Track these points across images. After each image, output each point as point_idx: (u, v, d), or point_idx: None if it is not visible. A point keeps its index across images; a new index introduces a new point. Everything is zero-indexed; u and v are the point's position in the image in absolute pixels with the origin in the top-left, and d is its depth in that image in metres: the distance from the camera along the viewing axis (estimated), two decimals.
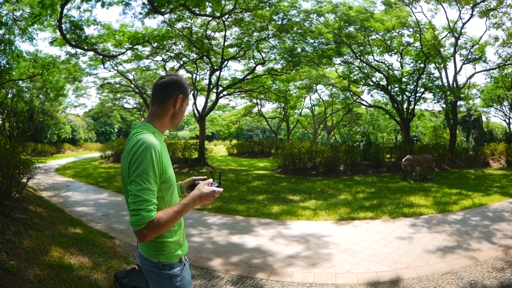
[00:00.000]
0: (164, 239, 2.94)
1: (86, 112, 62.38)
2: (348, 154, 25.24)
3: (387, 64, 29.31)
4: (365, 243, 8.97)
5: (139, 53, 30.39)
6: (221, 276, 7.00)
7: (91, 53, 28.04)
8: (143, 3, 20.40)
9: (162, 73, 35.49)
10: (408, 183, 19.19)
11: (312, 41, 27.74)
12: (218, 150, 49.90)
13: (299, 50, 28.41)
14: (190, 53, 30.38)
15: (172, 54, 30.83)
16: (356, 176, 22.98)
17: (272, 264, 7.61)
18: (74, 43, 22.10)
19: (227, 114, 57.19)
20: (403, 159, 20.25)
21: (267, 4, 24.15)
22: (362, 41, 27.17)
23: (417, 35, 25.83)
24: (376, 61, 29.24)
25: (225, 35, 27.16)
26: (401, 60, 29.51)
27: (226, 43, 28.23)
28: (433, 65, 27.95)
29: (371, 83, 30.28)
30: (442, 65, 28.26)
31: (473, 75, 32.03)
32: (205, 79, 35.31)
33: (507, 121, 43.70)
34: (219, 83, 31.57)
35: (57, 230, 8.70)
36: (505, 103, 38.74)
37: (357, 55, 28.17)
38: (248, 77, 32.17)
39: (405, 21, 25.76)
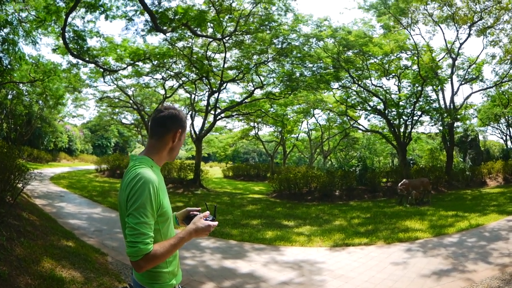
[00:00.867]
0: (159, 269, 2.97)
1: (84, 123, 62.50)
2: (344, 179, 25.17)
3: (385, 88, 29.46)
4: (359, 270, 8.92)
5: (139, 69, 30.52)
6: None
7: (92, 65, 28.09)
8: (146, 20, 20.56)
9: (161, 91, 35.72)
10: (404, 207, 19.10)
11: (311, 65, 27.88)
12: (213, 171, 49.92)
13: (297, 74, 28.57)
14: (189, 73, 30.43)
15: (172, 73, 30.89)
16: (351, 201, 22.92)
17: None
18: (75, 53, 22.23)
19: (224, 136, 57.13)
20: (399, 184, 20.17)
21: (268, 27, 24.34)
22: (361, 66, 27.29)
23: (415, 58, 26.00)
24: (374, 85, 29.36)
25: (225, 56, 27.25)
26: (399, 84, 29.66)
27: (225, 65, 28.32)
28: (430, 87, 28.08)
29: (369, 108, 30.33)
30: (439, 87, 28.39)
31: (470, 95, 32.28)
32: (204, 100, 35.33)
33: (504, 138, 43.79)
34: (217, 105, 31.64)
35: (49, 240, 8.69)
36: (502, 120, 38.86)
37: (355, 79, 28.27)
38: (246, 100, 32.20)
39: (403, 44, 25.91)
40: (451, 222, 14.28)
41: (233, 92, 63.70)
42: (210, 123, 31.44)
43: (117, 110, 47.42)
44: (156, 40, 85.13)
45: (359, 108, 32.03)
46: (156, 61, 27.69)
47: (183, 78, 31.70)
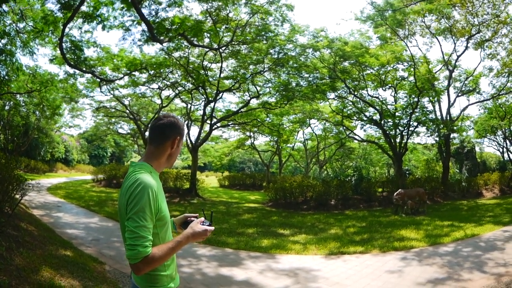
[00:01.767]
0: (157, 272, 3.02)
1: (80, 133, 62.24)
2: (339, 188, 25.14)
3: (381, 99, 29.60)
4: (354, 277, 8.94)
5: (136, 79, 30.54)
6: None
7: (89, 75, 28.18)
8: (143, 30, 20.57)
9: (158, 101, 35.76)
10: (400, 217, 19.11)
11: (307, 75, 28.05)
12: (209, 181, 49.74)
13: (293, 84, 28.62)
14: (186, 83, 30.46)
15: (168, 83, 30.95)
16: (347, 211, 22.90)
17: None
18: (72, 64, 22.15)
19: (220, 146, 57.06)
20: (395, 193, 20.21)
21: (264, 37, 24.41)
22: (357, 76, 27.43)
23: (412, 69, 26.06)
24: (370, 95, 29.49)
25: (221, 66, 27.40)
26: (395, 95, 29.74)
27: (222, 75, 28.44)
28: (426, 98, 28.18)
29: (365, 118, 30.43)
30: (436, 99, 28.52)
31: (466, 107, 32.13)
32: (200, 109, 35.38)
33: (501, 150, 43.84)
34: (213, 115, 31.65)
35: (48, 250, 8.67)
36: (499, 132, 38.80)
37: (351, 90, 28.35)
38: (242, 110, 32.28)
39: (400, 56, 26.00)
40: (446, 232, 14.28)
41: (229, 101, 64.07)
42: (206, 132, 31.58)
43: (113, 120, 47.45)
44: (152, 50, 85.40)
45: (355, 118, 32.14)
46: (153, 71, 27.73)
47: (179, 88, 31.76)
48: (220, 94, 30.63)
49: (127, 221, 2.77)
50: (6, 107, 36.63)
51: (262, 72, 28.23)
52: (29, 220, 11.66)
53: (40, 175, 40.11)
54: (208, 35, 23.56)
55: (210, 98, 29.78)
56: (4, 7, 19.10)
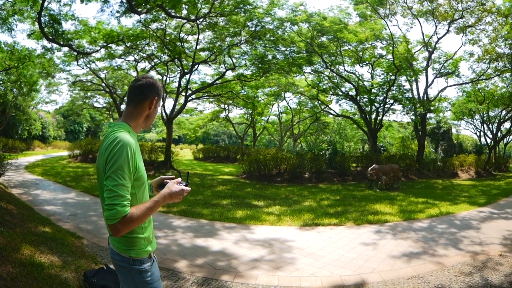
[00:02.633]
0: (135, 235, 3.04)
1: (56, 109, 61.78)
2: (313, 162, 25.30)
3: (358, 75, 29.63)
4: (329, 248, 8.95)
5: (112, 51, 30.14)
6: (187, 278, 6.98)
7: (65, 49, 27.76)
8: (121, 2, 20.29)
9: (133, 73, 35.48)
10: (374, 192, 19.24)
11: (284, 49, 27.88)
12: (184, 153, 50.07)
13: (270, 57, 28.48)
14: (162, 55, 30.27)
15: (144, 55, 30.65)
16: (321, 184, 23.03)
17: (236, 267, 7.58)
18: (51, 37, 21.85)
19: (195, 118, 56.88)
20: (369, 168, 20.37)
21: (243, 10, 24.23)
22: (334, 51, 27.32)
23: (390, 48, 26.02)
24: (347, 71, 29.46)
25: (197, 38, 27.16)
26: (372, 72, 29.88)
27: (198, 47, 28.21)
28: (404, 77, 28.24)
29: (340, 93, 30.45)
30: (413, 78, 28.61)
31: (444, 88, 32.22)
32: (175, 82, 35.20)
33: (478, 134, 44.23)
34: (189, 87, 31.47)
35: (27, 228, 8.69)
36: (477, 116, 39.20)
37: (327, 64, 28.27)
38: (217, 82, 32.19)
39: (379, 34, 26.00)
40: (421, 208, 14.43)
41: (204, 73, 63.86)
42: (181, 104, 31.53)
43: (89, 94, 47.07)
44: (130, 22, 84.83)
45: (330, 93, 32.13)
46: (129, 43, 27.44)
47: (155, 60, 31.57)
48: (196, 66, 30.44)
49: (106, 180, 2.76)
50: None
51: (238, 44, 28.06)
52: (8, 199, 11.64)
53: (18, 153, 39.60)
54: (186, 6, 23.28)
55: (186, 70, 29.67)
56: None
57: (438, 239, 9.74)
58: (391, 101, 28.57)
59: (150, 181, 3.51)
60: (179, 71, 30.97)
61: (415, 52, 28.01)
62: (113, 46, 28.13)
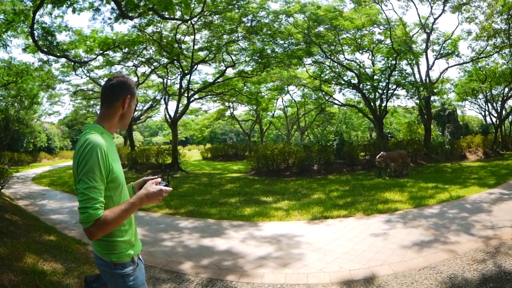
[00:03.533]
0: (114, 238, 2.99)
1: (60, 119, 62.41)
2: (321, 153, 25.21)
3: (358, 63, 29.41)
4: (338, 242, 8.79)
5: (110, 59, 30.26)
6: (191, 279, 6.89)
7: (63, 60, 27.96)
8: (112, 8, 20.22)
9: (134, 78, 35.50)
10: (383, 179, 19.10)
11: (282, 42, 27.78)
12: (192, 154, 50.16)
13: (269, 51, 28.40)
14: (160, 58, 30.28)
15: (143, 59, 30.71)
16: (330, 175, 22.87)
17: (242, 266, 7.47)
18: (46, 50, 21.91)
19: (200, 119, 57.16)
20: (377, 156, 20.22)
21: (236, 6, 24.11)
22: (333, 41, 27.12)
23: (388, 32, 25.75)
24: (347, 60, 29.25)
25: (194, 38, 27.08)
26: (373, 58, 29.63)
27: (196, 47, 28.15)
28: (405, 61, 28.01)
29: (343, 82, 30.26)
30: (414, 61, 28.42)
31: (446, 69, 32.04)
32: (176, 83, 35.09)
33: (483, 113, 43.86)
34: (190, 87, 31.50)
35: (31, 237, 8.74)
36: (480, 96, 38.78)
37: (327, 54, 28.10)
38: (219, 80, 32.15)
39: (375, 19, 25.74)
40: (431, 193, 14.24)
41: (205, 73, 64.16)
42: (184, 105, 31.34)
43: (92, 102, 47.38)
44: (125, 28, 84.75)
45: (333, 82, 32.01)
46: (126, 49, 27.50)
47: (155, 64, 31.63)
48: (195, 66, 30.31)
49: (78, 183, 2.73)
50: None
51: (236, 41, 28.04)
52: (13, 211, 11.73)
53: (24, 166, 39.98)
54: (179, 8, 23.18)
55: (186, 71, 29.64)
56: None
57: (450, 225, 9.55)
58: (394, 86, 28.34)
59: (133, 183, 3.49)
60: (179, 73, 31.00)
61: (413, 35, 27.73)
62: (110, 53, 28.20)
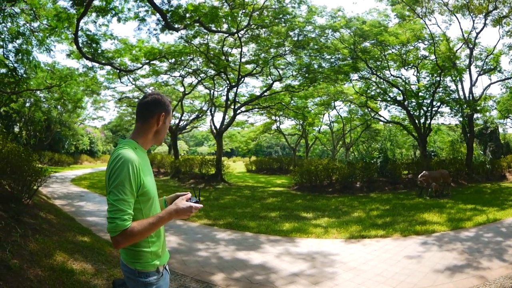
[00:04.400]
0: (140, 248, 3.09)
1: (105, 125, 63.37)
2: (365, 171, 25.09)
3: (404, 79, 29.18)
4: (372, 262, 8.82)
5: (157, 68, 30.81)
6: None
7: (108, 67, 28.54)
8: (158, 19, 20.58)
9: (181, 89, 36.01)
10: (424, 199, 18.93)
11: (328, 57, 27.81)
12: (236, 166, 50.36)
13: (315, 66, 28.43)
14: (207, 69, 30.60)
15: (190, 70, 31.14)
16: (372, 193, 22.80)
17: (274, 281, 7.58)
18: (90, 57, 22.47)
19: (246, 131, 57.29)
20: (419, 175, 19.95)
21: (282, 20, 24.29)
22: (378, 56, 27.08)
23: (432, 48, 25.62)
24: (393, 76, 29.04)
25: (241, 51, 27.42)
26: (418, 74, 29.27)
27: (243, 60, 28.48)
28: (449, 78, 27.68)
29: (388, 99, 30.05)
30: (458, 78, 27.97)
31: (488, 86, 31.26)
32: (223, 95, 35.26)
33: None
34: (237, 99, 31.78)
35: (64, 236, 8.98)
36: None
37: (373, 70, 28.02)
38: (265, 93, 32.31)
39: (419, 34, 25.62)
40: (469, 215, 14.08)
41: (252, 86, 64.20)
42: (230, 117, 31.61)
43: None
44: (171, 38, 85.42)
45: (379, 99, 31.78)
46: (173, 59, 27.85)
47: (202, 75, 31.95)
48: (242, 79, 30.65)
49: (108, 195, 2.88)
50: (27, 104, 37.50)
51: (283, 55, 28.14)
52: (49, 210, 12.00)
53: (64, 167, 40.88)
54: (226, 20, 23.49)
55: (233, 83, 29.91)
56: (16, 9, 19.41)
57: (484, 250, 9.46)
58: (438, 104, 28.01)
59: (166, 197, 3.56)
60: (226, 85, 31.35)
61: (457, 50, 27.32)
62: (157, 62, 28.67)
